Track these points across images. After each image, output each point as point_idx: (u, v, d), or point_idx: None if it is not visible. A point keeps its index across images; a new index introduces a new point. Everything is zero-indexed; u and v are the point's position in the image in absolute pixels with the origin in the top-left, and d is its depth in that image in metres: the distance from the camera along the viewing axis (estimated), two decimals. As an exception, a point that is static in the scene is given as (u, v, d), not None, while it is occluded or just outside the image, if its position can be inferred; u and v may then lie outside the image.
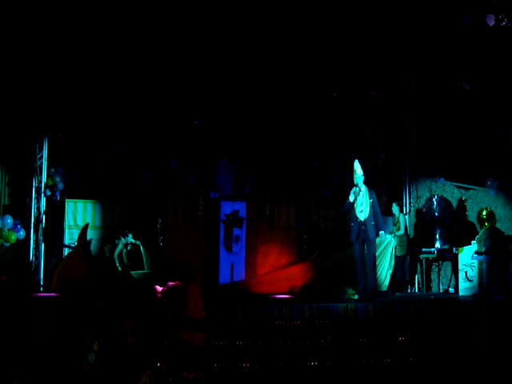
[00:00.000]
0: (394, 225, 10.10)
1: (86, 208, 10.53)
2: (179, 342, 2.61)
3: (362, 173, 8.30)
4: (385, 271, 9.08)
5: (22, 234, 9.91)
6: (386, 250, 9.13)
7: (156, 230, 10.58)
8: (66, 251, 10.26)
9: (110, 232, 10.37)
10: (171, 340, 6.71)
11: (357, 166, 8.38)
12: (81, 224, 10.30)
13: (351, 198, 8.12)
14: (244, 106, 11.17)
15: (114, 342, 3.76)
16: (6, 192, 10.44)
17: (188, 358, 2.58)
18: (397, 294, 9.48)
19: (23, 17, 9.25)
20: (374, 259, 8.23)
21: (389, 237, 9.21)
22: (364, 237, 8.07)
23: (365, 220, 8.08)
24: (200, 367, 2.54)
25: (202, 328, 2.60)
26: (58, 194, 10.52)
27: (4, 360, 6.60)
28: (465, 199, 11.46)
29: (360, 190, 8.21)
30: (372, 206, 8.16)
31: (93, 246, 10.01)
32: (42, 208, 10.31)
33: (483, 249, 9.53)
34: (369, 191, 8.24)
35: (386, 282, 9.09)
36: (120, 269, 9.85)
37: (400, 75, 11.47)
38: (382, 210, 8.70)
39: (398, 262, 9.77)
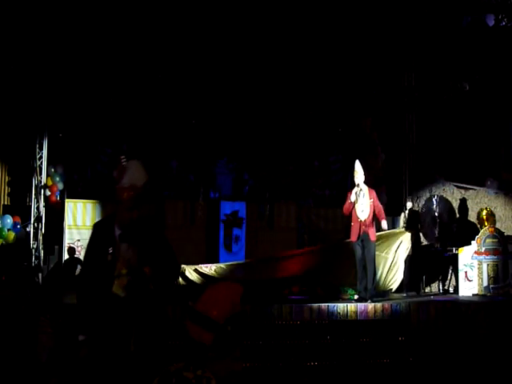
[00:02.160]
0: (408, 222, 9.83)
1: (86, 208, 10.53)
2: (186, 336, 2.56)
3: (363, 172, 8.27)
4: (400, 270, 9.07)
5: (21, 233, 9.91)
6: (402, 247, 9.12)
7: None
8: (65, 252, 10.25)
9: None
10: (176, 339, 6.76)
11: (358, 165, 8.36)
12: (81, 224, 10.29)
13: (352, 198, 8.09)
14: (244, 106, 11.17)
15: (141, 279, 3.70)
16: (6, 192, 10.45)
17: (196, 356, 2.54)
18: (395, 294, 9.45)
19: (23, 17, 9.24)
20: (374, 259, 8.16)
21: (407, 235, 9.19)
22: (364, 237, 8.03)
23: (365, 220, 8.03)
24: (203, 364, 2.51)
25: (208, 326, 2.54)
26: (57, 193, 10.54)
27: (4, 360, 6.60)
28: (465, 199, 11.46)
29: (361, 189, 8.17)
30: (372, 205, 8.13)
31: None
32: (42, 208, 10.31)
33: (483, 249, 9.52)
34: (369, 191, 8.21)
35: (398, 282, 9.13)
36: None
37: (400, 75, 11.47)
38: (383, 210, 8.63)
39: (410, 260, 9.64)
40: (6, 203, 10.34)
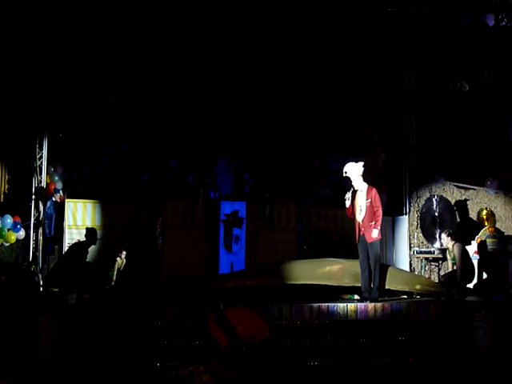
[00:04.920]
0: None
1: (86, 208, 10.52)
2: (205, 329, 2.65)
3: (359, 173, 7.88)
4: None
5: (21, 234, 9.91)
6: None
7: (156, 230, 10.58)
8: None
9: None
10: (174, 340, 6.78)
11: (347, 168, 7.94)
12: (81, 224, 10.27)
13: (347, 204, 7.89)
14: (244, 106, 11.16)
15: None
16: (6, 191, 10.44)
17: (205, 349, 2.63)
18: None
19: (23, 17, 9.24)
20: (377, 259, 7.87)
21: None
22: (364, 238, 7.88)
23: (362, 221, 7.82)
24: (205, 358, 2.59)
25: (228, 331, 2.60)
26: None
27: (5, 360, 6.60)
28: (465, 199, 11.47)
29: (354, 191, 7.98)
30: (370, 206, 7.79)
31: (92, 247, 9.87)
32: (42, 208, 10.30)
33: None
34: (368, 191, 7.88)
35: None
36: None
37: (400, 75, 11.47)
38: (383, 210, 8.34)
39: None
40: (5, 203, 10.33)
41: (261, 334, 2.82)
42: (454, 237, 8.88)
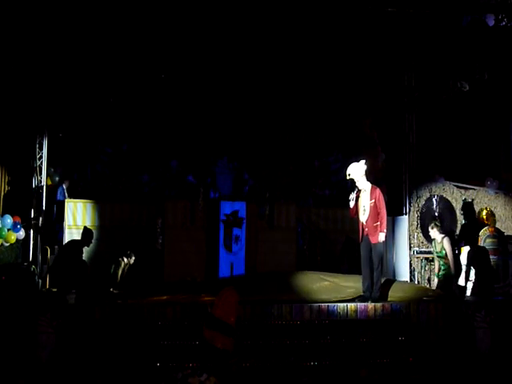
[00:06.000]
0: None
1: (86, 208, 10.52)
2: (202, 341, 2.62)
3: (362, 173, 7.82)
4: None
5: (21, 234, 9.91)
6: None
7: (156, 230, 10.58)
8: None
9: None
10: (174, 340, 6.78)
11: (350, 169, 7.87)
12: (81, 224, 10.27)
13: (351, 204, 7.84)
14: (244, 106, 11.17)
15: None
16: (6, 192, 10.45)
17: (208, 359, 2.58)
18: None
19: (23, 17, 9.24)
20: (379, 260, 7.82)
21: None
22: (367, 238, 7.84)
23: (366, 222, 7.78)
24: (214, 370, 2.54)
25: (228, 332, 2.58)
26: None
27: (5, 360, 6.61)
28: (466, 199, 11.47)
29: (358, 192, 7.89)
30: (374, 206, 7.74)
31: (93, 247, 9.88)
32: (42, 208, 10.31)
33: (483, 249, 9.50)
34: (371, 191, 7.82)
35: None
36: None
37: (400, 75, 11.47)
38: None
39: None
40: (5, 203, 10.34)
41: (239, 308, 2.83)
42: (440, 229, 8.95)
